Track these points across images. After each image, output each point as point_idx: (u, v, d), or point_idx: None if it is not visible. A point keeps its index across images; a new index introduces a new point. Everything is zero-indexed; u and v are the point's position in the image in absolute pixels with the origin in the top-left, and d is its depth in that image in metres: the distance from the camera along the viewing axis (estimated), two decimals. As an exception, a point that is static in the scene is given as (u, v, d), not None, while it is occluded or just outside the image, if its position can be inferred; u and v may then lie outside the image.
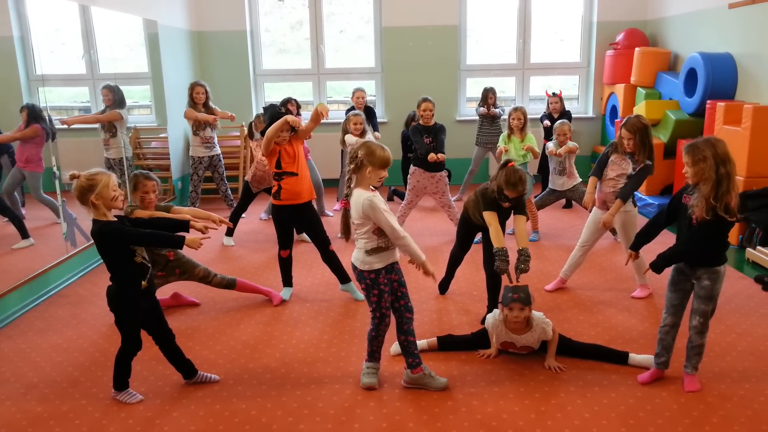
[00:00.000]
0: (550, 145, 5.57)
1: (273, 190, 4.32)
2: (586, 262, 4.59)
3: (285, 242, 4.43)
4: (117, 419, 2.96)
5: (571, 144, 5.42)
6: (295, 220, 4.52)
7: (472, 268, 4.75)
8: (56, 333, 3.94)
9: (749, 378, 3.21)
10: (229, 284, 4.24)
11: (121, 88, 6.11)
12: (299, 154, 4.27)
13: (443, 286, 4.47)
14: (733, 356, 3.45)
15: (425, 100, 5.51)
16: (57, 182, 4.86)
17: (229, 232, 5.87)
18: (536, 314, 3.38)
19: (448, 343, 3.59)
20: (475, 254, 4.41)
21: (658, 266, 3.04)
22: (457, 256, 4.37)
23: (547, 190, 5.75)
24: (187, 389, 3.21)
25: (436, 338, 3.61)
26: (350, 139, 5.77)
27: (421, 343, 3.50)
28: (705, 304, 3.01)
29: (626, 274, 4.66)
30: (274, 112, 4.28)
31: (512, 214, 3.82)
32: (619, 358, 3.39)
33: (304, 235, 5.66)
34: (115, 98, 5.87)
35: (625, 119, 4.12)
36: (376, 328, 3.15)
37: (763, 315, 3.99)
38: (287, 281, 4.53)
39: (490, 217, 3.72)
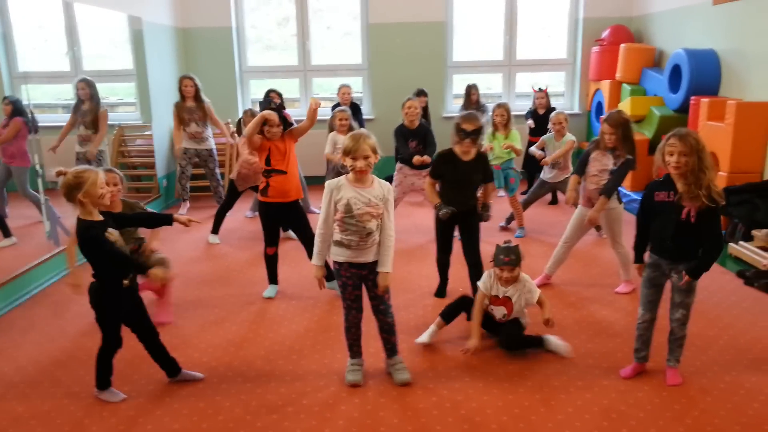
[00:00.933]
0: (534, 149, 5.62)
1: (260, 187, 4.30)
2: (571, 257, 4.60)
3: (271, 240, 4.42)
4: (99, 418, 2.94)
5: (569, 138, 5.49)
6: (282, 218, 4.51)
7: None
8: (38, 332, 3.91)
9: (730, 371, 3.23)
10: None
11: (106, 85, 6.07)
12: (290, 153, 4.24)
13: (440, 292, 4.35)
14: (715, 350, 3.47)
15: (410, 98, 5.46)
16: (40, 180, 4.82)
17: (215, 230, 5.83)
18: (525, 276, 3.49)
19: (450, 314, 3.64)
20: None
21: (697, 275, 2.97)
22: (443, 261, 4.30)
23: (538, 181, 5.76)
24: (171, 387, 3.19)
25: (438, 318, 3.64)
26: (336, 137, 5.75)
27: (422, 338, 3.56)
28: (688, 297, 3.02)
29: (610, 269, 4.68)
30: (265, 106, 4.27)
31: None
32: (537, 342, 3.49)
33: (291, 233, 5.64)
34: (92, 92, 5.82)
35: (606, 114, 4.15)
36: (345, 320, 3.16)
37: (745, 309, 4.03)
38: (273, 279, 4.52)
39: (428, 182, 4.05)
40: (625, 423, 2.81)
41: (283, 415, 2.93)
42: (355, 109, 7.02)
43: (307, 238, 4.33)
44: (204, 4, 7.95)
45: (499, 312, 3.48)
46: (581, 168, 4.30)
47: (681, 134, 2.85)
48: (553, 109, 6.74)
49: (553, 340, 3.47)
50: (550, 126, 5.72)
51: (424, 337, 3.57)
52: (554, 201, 6.82)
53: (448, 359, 3.45)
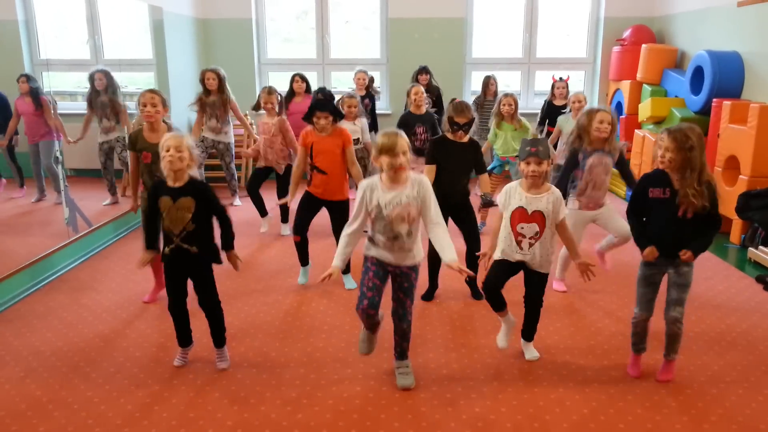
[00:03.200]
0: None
1: (309, 177, 4.35)
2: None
3: (299, 226, 4.38)
4: (116, 405, 2.96)
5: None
6: (322, 207, 4.38)
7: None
8: (56, 318, 3.94)
9: (748, 377, 3.20)
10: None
11: (125, 74, 6.10)
12: (334, 153, 4.22)
13: (428, 295, 4.25)
14: (732, 355, 3.44)
15: (415, 84, 5.46)
16: (60, 167, 4.85)
17: (284, 219, 5.79)
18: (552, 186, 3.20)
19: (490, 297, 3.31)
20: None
21: (698, 253, 2.93)
22: (435, 255, 3.99)
23: (554, 167, 5.65)
24: (187, 377, 3.20)
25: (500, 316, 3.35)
26: (347, 126, 5.19)
27: (500, 340, 3.41)
28: (684, 292, 2.98)
29: (615, 267, 4.64)
30: (314, 101, 4.28)
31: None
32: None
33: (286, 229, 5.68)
34: (109, 82, 5.86)
35: (593, 108, 4.06)
36: (357, 307, 2.99)
37: (764, 315, 3.98)
38: (304, 260, 4.49)
39: (427, 170, 4.00)
40: (642, 426, 2.78)
41: (297, 407, 2.93)
42: (370, 98, 6.95)
43: (337, 231, 4.25)
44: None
45: (530, 230, 3.10)
46: (567, 180, 4.17)
47: (671, 130, 2.86)
48: None
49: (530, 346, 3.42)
50: (562, 102, 5.70)
51: (502, 342, 3.40)
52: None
53: (462, 357, 3.43)
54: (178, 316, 3.23)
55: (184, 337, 3.30)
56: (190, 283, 3.21)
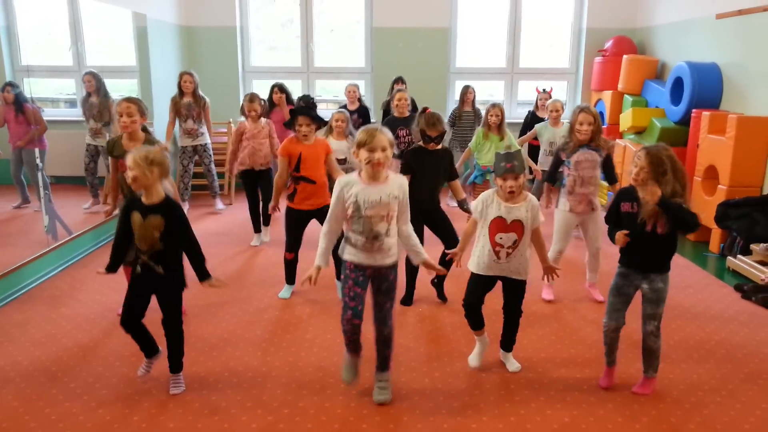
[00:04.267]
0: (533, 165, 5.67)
1: (288, 192, 4.29)
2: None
3: (292, 245, 4.35)
4: (94, 416, 2.92)
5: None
6: (309, 220, 4.34)
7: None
8: (35, 327, 3.89)
9: (726, 385, 3.23)
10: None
11: (108, 81, 6.07)
12: (320, 162, 4.22)
13: (407, 299, 4.29)
14: (712, 364, 3.47)
15: (399, 90, 5.49)
16: (40, 174, 4.80)
17: (263, 226, 5.76)
18: (528, 193, 3.20)
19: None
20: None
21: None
22: (412, 264, 4.16)
23: (537, 180, 5.75)
24: (166, 386, 3.15)
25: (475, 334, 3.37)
26: (334, 144, 5.03)
27: (472, 359, 3.40)
28: (659, 307, 3.00)
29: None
30: (298, 107, 4.26)
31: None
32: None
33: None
34: (98, 85, 5.84)
35: (578, 107, 4.16)
36: (341, 319, 2.98)
37: (741, 323, 4.03)
38: (290, 279, 4.45)
39: None
40: (621, 434, 2.81)
41: (279, 417, 2.91)
42: (362, 113, 6.96)
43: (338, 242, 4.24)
44: (209, 3, 7.97)
45: (509, 239, 3.09)
46: (554, 176, 4.34)
47: (646, 148, 2.90)
48: None
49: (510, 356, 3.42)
50: (546, 114, 5.80)
51: (475, 361, 3.40)
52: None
53: (443, 366, 3.44)
54: (133, 332, 3.10)
55: (148, 349, 3.17)
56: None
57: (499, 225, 3.11)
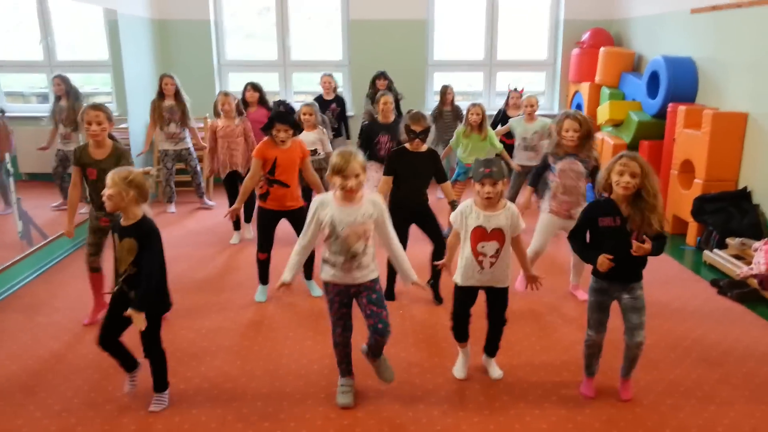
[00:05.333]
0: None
1: (260, 192, 4.28)
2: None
3: (264, 245, 4.36)
4: (73, 433, 2.90)
5: (547, 122, 5.68)
6: (280, 219, 4.35)
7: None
8: (11, 338, 3.84)
9: (701, 386, 3.28)
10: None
11: (81, 75, 5.96)
12: (295, 165, 4.22)
13: (388, 294, 4.32)
14: (687, 364, 3.52)
15: (384, 94, 5.47)
16: (11, 179, 4.71)
17: (242, 223, 5.77)
18: (508, 201, 3.17)
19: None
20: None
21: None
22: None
23: (515, 172, 5.76)
24: (143, 400, 3.12)
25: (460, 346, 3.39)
26: (303, 136, 5.10)
27: (457, 371, 3.39)
28: (643, 315, 2.98)
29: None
30: (275, 113, 4.22)
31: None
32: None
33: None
34: (67, 88, 5.72)
35: (564, 113, 4.14)
36: (332, 335, 3.08)
37: (717, 320, 4.09)
38: (263, 279, 4.44)
39: (384, 180, 4.13)
40: (599, 440, 2.85)
41: (259, 430, 2.91)
42: (340, 102, 6.91)
43: None
44: (181, -5, 7.83)
45: (491, 248, 3.08)
46: (537, 179, 4.36)
47: (632, 155, 2.85)
48: None
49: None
50: (516, 113, 5.83)
51: (460, 373, 3.39)
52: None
53: (425, 371, 3.45)
54: (110, 350, 3.06)
55: (127, 364, 3.13)
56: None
57: (479, 234, 3.09)
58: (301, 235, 3.01)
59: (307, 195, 4.85)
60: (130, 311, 2.86)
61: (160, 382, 3.12)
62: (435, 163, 4.20)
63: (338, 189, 2.88)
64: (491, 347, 3.39)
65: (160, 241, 2.94)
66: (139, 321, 2.85)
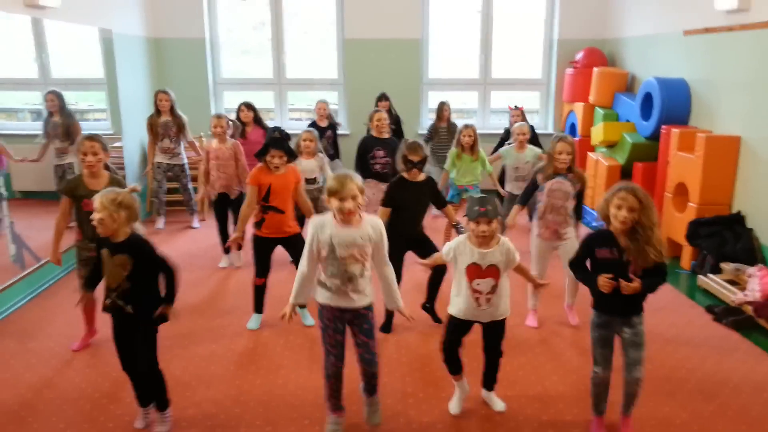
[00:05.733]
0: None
1: (255, 220, 4.26)
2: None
3: (261, 270, 4.33)
4: (64, 468, 2.87)
5: (537, 151, 5.73)
6: (276, 246, 4.33)
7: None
8: (2, 365, 3.80)
9: (697, 418, 3.27)
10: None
11: (75, 93, 5.95)
12: (289, 191, 4.21)
13: (385, 327, 4.29)
14: (683, 394, 3.51)
15: (378, 110, 5.49)
16: (4, 203, 4.68)
17: (226, 250, 5.68)
18: (502, 237, 3.14)
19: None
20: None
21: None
22: None
23: (507, 197, 5.79)
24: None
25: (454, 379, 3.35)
26: (304, 164, 5.17)
27: (452, 407, 3.34)
28: (642, 350, 2.97)
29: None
30: (270, 138, 4.21)
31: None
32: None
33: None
34: (61, 104, 5.72)
35: (556, 136, 4.19)
36: (323, 366, 3.02)
37: (712, 348, 4.09)
38: (258, 308, 4.41)
39: (381, 212, 4.07)
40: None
41: (254, 465, 2.90)
42: (333, 129, 6.91)
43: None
44: (176, 14, 7.84)
45: (487, 285, 3.06)
46: (527, 198, 4.38)
47: (630, 188, 2.82)
48: (531, 127, 6.72)
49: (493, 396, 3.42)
50: (512, 138, 5.83)
51: (455, 408, 3.35)
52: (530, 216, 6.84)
53: (420, 402, 3.43)
54: (133, 375, 3.09)
55: (143, 397, 3.15)
56: None
57: (474, 271, 3.07)
58: (301, 260, 2.99)
59: (301, 221, 4.84)
60: (160, 310, 2.97)
61: (163, 401, 3.14)
62: (432, 190, 4.23)
63: (336, 211, 2.85)
64: (489, 380, 3.36)
65: (153, 249, 2.97)
66: (167, 312, 3.00)
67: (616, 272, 2.85)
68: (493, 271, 3.07)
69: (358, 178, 2.87)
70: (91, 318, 4.03)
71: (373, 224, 2.94)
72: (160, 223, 6.86)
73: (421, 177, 4.15)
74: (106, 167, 3.77)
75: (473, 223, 3.02)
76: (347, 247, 2.84)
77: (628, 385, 3.02)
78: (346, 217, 2.84)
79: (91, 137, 3.66)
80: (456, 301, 3.18)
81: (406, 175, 4.12)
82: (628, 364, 2.99)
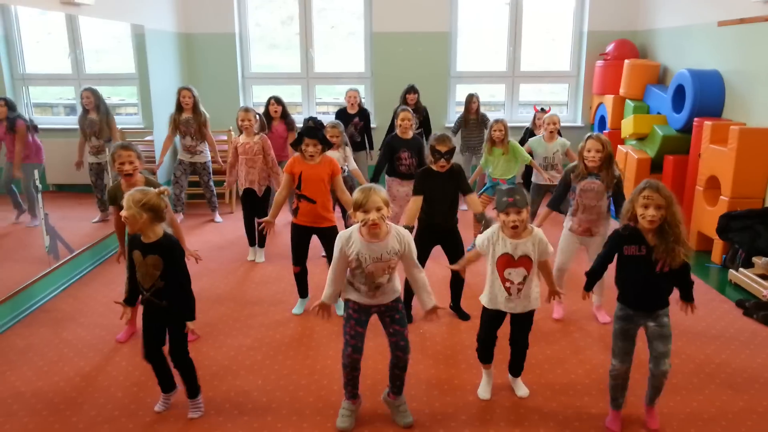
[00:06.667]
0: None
1: (293, 207, 4.37)
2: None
3: (298, 258, 4.42)
4: (96, 453, 2.95)
5: (565, 141, 5.78)
6: (313, 235, 4.40)
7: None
8: (37, 354, 3.91)
9: (726, 413, 3.23)
10: None
11: (107, 88, 6.06)
12: (323, 182, 4.23)
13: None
14: (712, 389, 3.47)
15: (404, 109, 5.49)
16: (39, 195, 4.80)
17: (261, 244, 5.71)
18: (533, 226, 3.19)
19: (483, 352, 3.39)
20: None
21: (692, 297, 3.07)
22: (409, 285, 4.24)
23: (533, 187, 5.82)
24: (166, 420, 3.18)
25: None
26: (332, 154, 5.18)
27: (482, 392, 3.41)
28: (669, 343, 2.95)
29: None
30: (304, 128, 4.27)
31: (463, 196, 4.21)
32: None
33: None
34: (97, 102, 5.82)
35: (588, 135, 4.11)
36: (342, 354, 3.07)
37: (743, 343, 4.02)
38: (302, 292, 4.52)
39: (413, 200, 4.14)
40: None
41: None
42: (363, 116, 6.90)
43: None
44: (207, 9, 7.94)
45: (518, 275, 3.09)
46: (558, 202, 4.31)
47: (654, 186, 2.80)
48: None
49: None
50: (543, 128, 5.81)
51: (485, 393, 3.41)
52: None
53: (444, 394, 3.45)
54: (155, 363, 3.18)
55: (165, 383, 3.26)
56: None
57: (507, 261, 3.10)
58: (330, 269, 3.06)
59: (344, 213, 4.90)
60: (188, 325, 3.06)
61: (193, 389, 3.23)
62: (459, 177, 4.19)
63: (361, 224, 2.88)
64: (516, 367, 3.41)
65: (183, 255, 3.07)
66: (193, 327, 3.08)
67: (644, 269, 2.85)
68: (525, 262, 3.09)
69: (382, 191, 2.89)
70: (134, 309, 4.08)
71: (399, 236, 2.95)
72: (178, 218, 6.89)
73: (447, 167, 4.13)
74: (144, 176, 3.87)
75: (503, 214, 3.04)
76: (374, 262, 2.89)
77: (654, 377, 3.00)
78: (371, 230, 2.86)
79: (126, 146, 3.77)
80: (487, 292, 3.21)
81: (434, 166, 4.11)
82: (654, 356, 2.97)
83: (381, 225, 2.86)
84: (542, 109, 6.49)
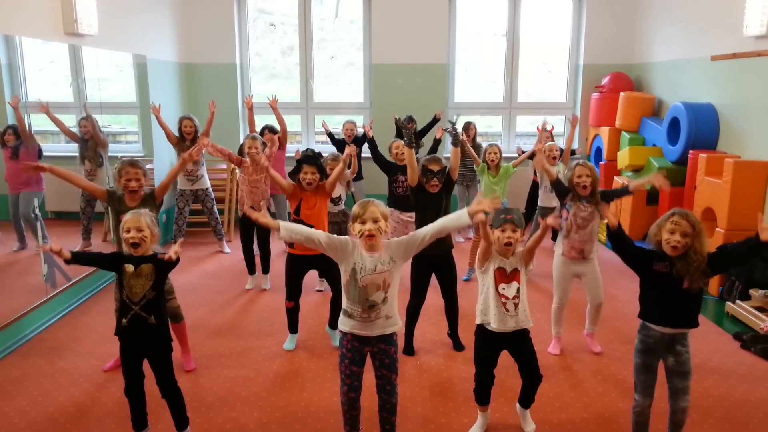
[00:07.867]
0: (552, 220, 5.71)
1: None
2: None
3: (291, 293, 4.36)
4: (90, 486, 2.91)
5: (560, 167, 5.84)
6: (312, 268, 4.39)
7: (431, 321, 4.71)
8: (32, 384, 3.89)
9: (725, 449, 3.22)
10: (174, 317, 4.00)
11: (108, 117, 6.12)
12: (321, 207, 4.26)
13: (407, 348, 4.33)
14: (711, 423, 3.46)
15: (394, 140, 5.61)
16: (39, 224, 4.81)
17: (264, 270, 5.72)
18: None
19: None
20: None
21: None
22: (415, 308, 4.29)
23: (538, 210, 5.95)
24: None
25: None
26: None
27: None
28: (688, 379, 2.95)
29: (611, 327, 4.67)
30: (302, 156, 4.30)
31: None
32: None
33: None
34: (94, 131, 5.88)
35: (575, 162, 4.22)
36: (340, 392, 3.03)
37: (741, 377, 4.01)
38: (292, 328, 4.46)
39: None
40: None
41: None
42: (360, 141, 6.96)
43: (334, 287, 4.24)
44: (209, 40, 8.05)
45: (511, 290, 3.13)
46: (560, 187, 4.37)
47: (684, 213, 2.84)
48: (561, 150, 6.69)
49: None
50: (546, 152, 5.89)
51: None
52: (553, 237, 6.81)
53: (441, 429, 3.42)
54: (134, 399, 3.12)
55: (139, 421, 3.18)
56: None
57: (501, 275, 3.15)
58: (323, 233, 2.96)
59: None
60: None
61: (182, 420, 3.20)
62: (447, 185, 4.16)
63: (358, 236, 2.88)
64: (526, 399, 3.35)
65: (171, 267, 3.08)
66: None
67: (669, 287, 2.87)
68: (516, 276, 3.15)
69: (381, 204, 2.90)
70: None
71: (395, 243, 2.94)
72: (176, 245, 6.86)
73: (439, 187, 4.11)
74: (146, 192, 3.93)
75: (499, 230, 3.09)
76: (368, 274, 2.86)
77: (674, 414, 3.01)
78: (368, 242, 2.86)
79: (134, 163, 3.81)
80: (482, 310, 3.19)
81: (427, 186, 4.09)
82: (673, 392, 2.98)
83: (377, 236, 2.86)
84: (544, 129, 6.55)
